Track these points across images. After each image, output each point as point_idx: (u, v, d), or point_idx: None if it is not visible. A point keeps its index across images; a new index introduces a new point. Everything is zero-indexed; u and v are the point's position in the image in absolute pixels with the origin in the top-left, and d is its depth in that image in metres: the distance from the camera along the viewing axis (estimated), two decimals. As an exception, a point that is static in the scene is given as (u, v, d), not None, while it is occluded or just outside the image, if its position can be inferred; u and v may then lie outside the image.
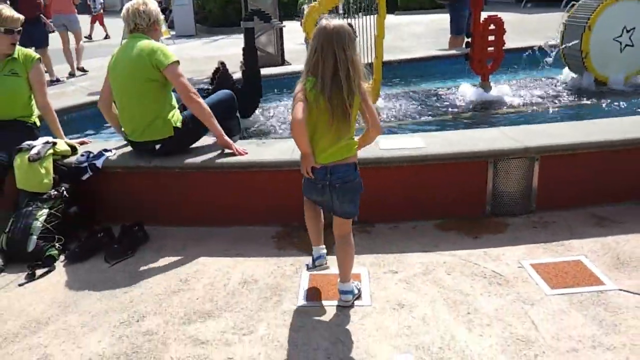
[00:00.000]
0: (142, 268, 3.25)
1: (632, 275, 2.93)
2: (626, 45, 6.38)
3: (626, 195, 3.75)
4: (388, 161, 3.56)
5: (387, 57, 6.44)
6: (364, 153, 3.51)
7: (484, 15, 6.07)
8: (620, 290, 2.80)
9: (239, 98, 5.44)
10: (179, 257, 3.34)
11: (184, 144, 3.81)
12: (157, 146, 3.69)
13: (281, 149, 3.72)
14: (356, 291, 2.82)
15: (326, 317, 2.68)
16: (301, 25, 5.67)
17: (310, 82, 2.49)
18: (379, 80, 5.88)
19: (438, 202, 3.66)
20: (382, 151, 3.60)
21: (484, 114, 5.85)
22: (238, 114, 4.57)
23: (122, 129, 3.85)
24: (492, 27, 6.03)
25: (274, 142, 4.03)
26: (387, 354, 2.40)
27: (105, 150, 3.85)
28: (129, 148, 3.90)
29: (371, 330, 2.57)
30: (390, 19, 15.45)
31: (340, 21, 2.54)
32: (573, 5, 6.81)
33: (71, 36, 9.85)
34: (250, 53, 5.45)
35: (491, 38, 6.07)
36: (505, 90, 6.41)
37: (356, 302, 2.78)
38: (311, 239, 2.87)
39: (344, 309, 2.74)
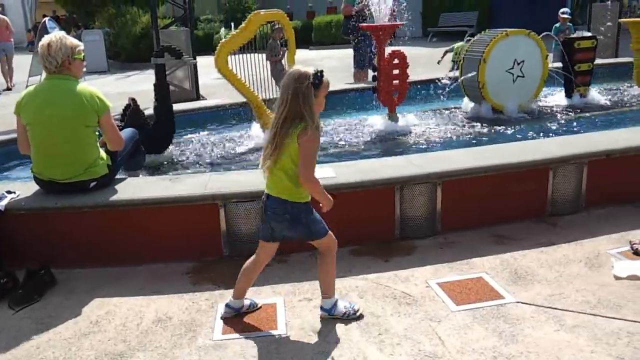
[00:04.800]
0: (49, 313, 3.12)
1: (528, 287, 3.16)
2: (518, 76, 6.94)
3: (522, 214, 4.06)
4: (300, 191, 3.64)
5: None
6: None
7: (388, 50, 6.41)
8: (518, 302, 3.02)
9: (152, 134, 5.43)
10: (90, 299, 3.24)
11: (112, 178, 3.90)
12: (92, 184, 3.70)
13: (194, 184, 3.73)
14: (339, 309, 2.90)
15: (242, 349, 2.70)
16: None
17: None
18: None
19: (351, 229, 3.77)
20: (294, 182, 3.69)
21: (393, 143, 6.13)
22: (142, 148, 4.65)
23: (35, 172, 3.71)
24: (396, 61, 6.37)
25: (186, 177, 4.03)
26: (302, 379, 2.46)
27: (9, 192, 3.69)
28: (33, 189, 3.75)
29: (287, 358, 2.61)
30: (305, 54, 15.95)
31: (303, 67, 2.60)
32: (469, 40, 7.35)
33: None
34: (162, 89, 5.45)
35: (396, 72, 6.40)
36: (412, 120, 6.76)
37: (272, 331, 2.82)
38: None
39: (259, 339, 2.77)
